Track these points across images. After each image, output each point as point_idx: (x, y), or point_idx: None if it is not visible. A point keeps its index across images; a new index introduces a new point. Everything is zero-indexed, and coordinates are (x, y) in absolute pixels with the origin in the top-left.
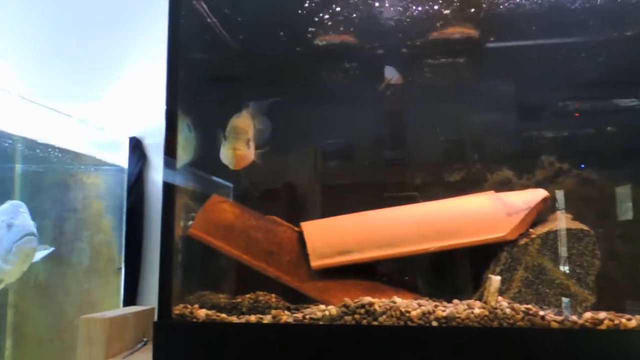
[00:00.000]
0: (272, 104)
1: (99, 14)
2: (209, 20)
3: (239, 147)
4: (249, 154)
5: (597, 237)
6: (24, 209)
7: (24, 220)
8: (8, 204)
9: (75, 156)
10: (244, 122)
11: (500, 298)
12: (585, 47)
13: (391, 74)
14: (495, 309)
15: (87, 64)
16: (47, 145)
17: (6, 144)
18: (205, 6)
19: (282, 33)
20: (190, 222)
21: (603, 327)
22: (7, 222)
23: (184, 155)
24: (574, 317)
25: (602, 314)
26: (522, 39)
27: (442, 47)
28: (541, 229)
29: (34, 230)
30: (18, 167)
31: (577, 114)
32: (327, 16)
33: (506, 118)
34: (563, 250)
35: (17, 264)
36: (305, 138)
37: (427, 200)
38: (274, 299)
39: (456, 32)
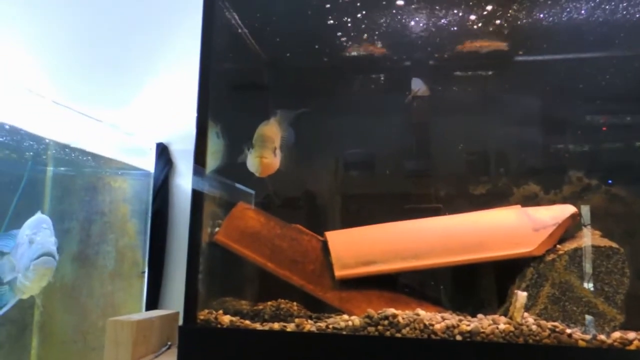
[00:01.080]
0: (300, 114)
1: (132, 19)
2: (240, 30)
3: (266, 155)
4: (275, 162)
5: (626, 255)
6: (47, 224)
7: (45, 237)
8: (36, 217)
9: (104, 160)
10: (271, 130)
11: (526, 314)
12: (615, 60)
13: (418, 85)
14: (521, 325)
15: (118, 69)
16: (77, 149)
17: (39, 147)
18: (237, 17)
19: (310, 44)
20: (217, 229)
21: (632, 347)
22: (30, 237)
23: (212, 162)
24: (602, 336)
25: (631, 334)
26: (550, 53)
27: (470, 60)
28: (569, 246)
29: (53, 249)
30: (49, 170)
31: (605, 128)
32: (354, 27)
33: (533, 132)
34: (591, 268)
35: (35, 281)
36: (331, 148)
37: (452, 213)
38: (295, 307)
39: (484, 45)
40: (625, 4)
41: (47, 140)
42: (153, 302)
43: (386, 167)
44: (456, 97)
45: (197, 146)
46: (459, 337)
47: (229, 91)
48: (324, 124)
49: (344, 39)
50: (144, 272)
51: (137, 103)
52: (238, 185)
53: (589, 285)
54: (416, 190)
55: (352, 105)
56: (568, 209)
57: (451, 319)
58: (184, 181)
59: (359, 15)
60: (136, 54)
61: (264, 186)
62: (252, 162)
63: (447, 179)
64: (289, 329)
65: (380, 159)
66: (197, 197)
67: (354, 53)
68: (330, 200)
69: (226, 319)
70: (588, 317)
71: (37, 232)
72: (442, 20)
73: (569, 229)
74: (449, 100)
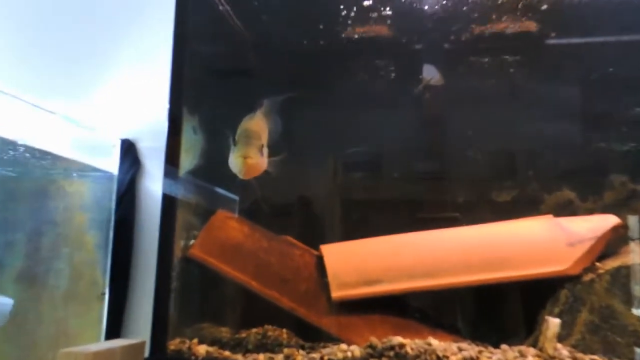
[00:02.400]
0: (288, 102)
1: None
2: (220, 7)
3: (251, 155)
4: (262, 162)
5: None
6: None
7: None
8: None
9: (57, 159)
10: (257, 125)
11: (559, 345)
12: None
13: (431, 73)
14: (553, 358)
15: (77, 57)
16: (25, 146)
17: None
18: None
19: (304, 23)
20: (192, 242)
21: None
22: None
23: (187, 162)
24: None
25: None
26: (590, 34)
27: (493, 43)
28: (611, 263)
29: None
30: None
31: None
32: (356, 3)
33: (568, 127)
34: (639, 290)
35: None
36: (329, 146)
37: (471, 223)
38: (285, 335)
39: (511, 26)
40: None
41: None
42: (115, 329)
43: (394, 169)
44: (476, 86)
45: (170, 143)
46: None
47: (208, 78)
48: (320, 117)
49: (343, 13)
50: (104, 294)
51: (99, 93)
52: (218, 190)
53: (636, 312)
54: (429, 196)
55: (353, 95)
56: (609, 220)
57: (470, 350)
58: (153, 184)
59: None
60: (100, 39)
61: (249, 191)
62: (235, 162)
63: (466, 183)
64: None
65: (387, 158)
66: (169, 203)
67: (356, 35)
68: (327, 208)
69: (202, 349)
70: (637, 350)
71: None
72: None
73: (611, 244)
74: (467, 90)
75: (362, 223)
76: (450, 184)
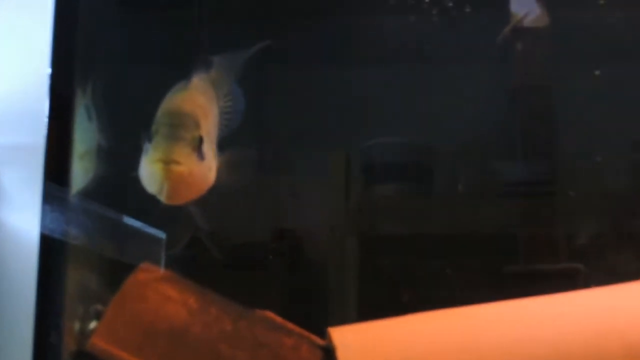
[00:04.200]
0: (258, 60)
1: None
2: None
3: (177, 157)
4: (201, 168)
5: None
6: None
7: None
8: None
9: None
10: (193, 102)
11: None
12: None
13: (526, 6)
14: None
15: None
16: None
17: None
18: None
19: None
20: (93, 324)
21: None
22: None
23: (81, 174)
24: None
25: None
26: None
27: None
28: None
29: None
30: None
31: None
32: None
33: None
34: None
35: None
36: (332, 133)
37: (603, 282)
38: None
39: None
40: None
41: None
42: None
43: (457, 177)
44: (615, 32)
45: (52, 140)
46: None
47: (117, 15)
48: (319, 85)
49: None
50: None
51: None
52: (133, 223)
53: None
54: (526, 231)
55: (378, 46)
56: None
57: None
58: (21, 219)
59: None
60: None
61: (185, 222)
62: (150, 171)
63: (591, 207)
64: None
65: (445, 158)
66: (52, 251)
67: None
68: (335, 251)
69: None
70: None
71: None
72: None
73: None
74: (597, 40)
75: (400, 282)
76: (564, 207)
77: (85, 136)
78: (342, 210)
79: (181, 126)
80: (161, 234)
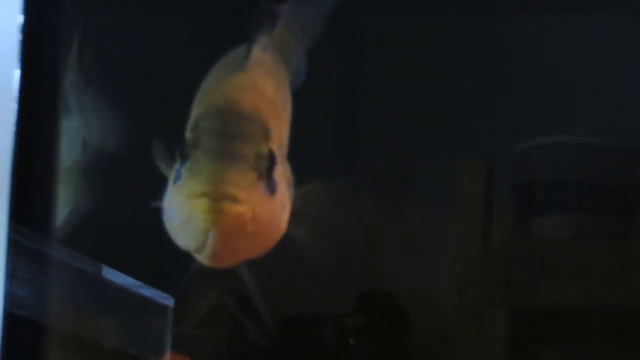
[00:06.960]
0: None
1: None
2: None
3: (234, 190)
4: (269, 208)
5: None
6: None
7: None
8: None
9: None
10: (257, 91)
11: None
12: None
13: None
14: None
15: None
16: None
17: None
18: None
19: None
20: None
21: None
22: None
23: (63, 204)
24: None
25: None
26: None
27: None
28: None
29: None
30: None
31: None
32: None
33: None
34: None
35: None
36: (454, 130)
37: None
38: None
39: None
40: None
41: None
42: None
43: None
44: None
45: (19, 163)
46: None
47: None
48: (443, 54)
49: None
50: None
51: None
52: (125, 281)
53: None
54: None
55: None
56: None
57: None
58: None
59: None
60: None
61: (207, 281)
62: (185, 212)
63: None
64: None
65: None
66: (15, 336)
67: None
68: (466, 330)
69: None
70: None
71: None
72: None
73: None
74: None
75: None
76: None
77: (70, 152)
78: (477, 262)
79: (240, 136)
80: (168, 302)
